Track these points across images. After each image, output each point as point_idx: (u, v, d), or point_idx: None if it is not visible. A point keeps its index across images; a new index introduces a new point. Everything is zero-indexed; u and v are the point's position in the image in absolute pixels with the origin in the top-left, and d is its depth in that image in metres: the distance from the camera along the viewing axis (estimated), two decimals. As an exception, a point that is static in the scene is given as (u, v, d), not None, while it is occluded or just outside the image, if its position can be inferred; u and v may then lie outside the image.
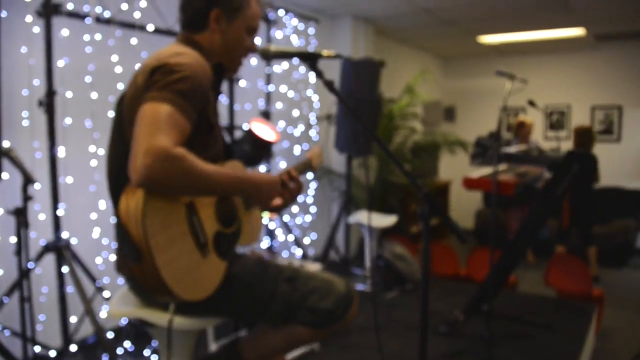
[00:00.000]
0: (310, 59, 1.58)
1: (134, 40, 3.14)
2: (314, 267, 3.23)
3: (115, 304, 1.70)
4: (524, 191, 3.57)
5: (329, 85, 1.58)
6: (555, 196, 3.39)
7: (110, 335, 3.03)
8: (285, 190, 1.81)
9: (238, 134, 3.68)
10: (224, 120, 3.61)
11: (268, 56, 1.59)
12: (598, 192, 6.75)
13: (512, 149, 3.57)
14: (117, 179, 1.46)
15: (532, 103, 3.58)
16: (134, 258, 1.30)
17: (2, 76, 2.70)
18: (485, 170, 3.57)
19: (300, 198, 4.80)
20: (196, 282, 1.43)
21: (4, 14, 2.73)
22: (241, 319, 1.79)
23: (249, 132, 3.67)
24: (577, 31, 5.89)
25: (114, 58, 3.05)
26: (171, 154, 1.23)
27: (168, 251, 1.33)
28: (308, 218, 4.90)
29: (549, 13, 5.16)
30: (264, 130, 3.77)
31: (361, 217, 4.67)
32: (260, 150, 3.74)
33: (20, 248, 2.43)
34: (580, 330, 3.43)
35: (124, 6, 3.06)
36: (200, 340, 1.87)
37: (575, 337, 3.33)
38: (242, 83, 3.92)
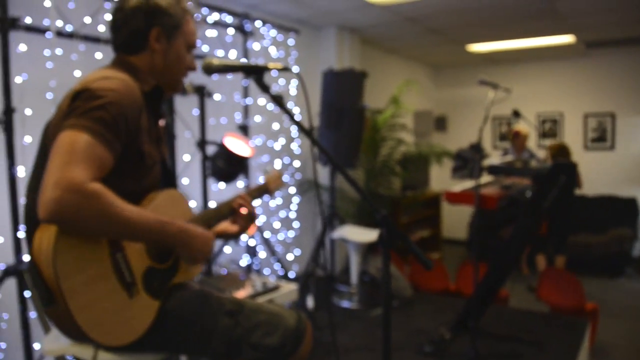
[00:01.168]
0: (255, 73, 1.47)
1: (98, 55, 3.03)
2: (289, 287, 3.10)
3: (51, 339, 1.58)
4: (510, 206, 3.45)
5: (276, 100, 1.48)
6: (542, 208, 3.27)
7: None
8: (239, 217, 1.73)
9: (211, 150, 3.57)
10: (195, 135, 3.50)
11: (210, 70, 1.47)
12: (592, 200, 6.63)
13: (495, 161, 3.45)
14: (35, 213, 1.34)
15: (517, 113, 3.46)
16: (46, 301, 1.19)
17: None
18: (467, 184, 3.45)
19: (282, 213, 4.70)
20: (120, 325, 1.30)
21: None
22: (183, 355, 1.66)
23: (223, 147, 3.58)
24: (567, 38, 5.79)
25: (77, 73, 2.94)
26: (84, 190, 1.13)
27: (85, 294, 1.22)
28: (291, 233, 4.76)
29: (537, 20, 5.06)
30: (238, 145, 3.68)
31: (346, 231, 4.55)
32: (234, 165, 3.63)
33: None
34: (572, 347, 3.30)
35: (87, 19, 2.95)
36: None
37: (566, 355, 3.20)
38: (217, 97, 3.81)
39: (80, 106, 1.24)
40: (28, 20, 2.73)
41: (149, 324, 1.39)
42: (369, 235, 4.49)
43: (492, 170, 3.27)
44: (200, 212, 1.64)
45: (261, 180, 2.00)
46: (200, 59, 1.60)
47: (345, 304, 4.40)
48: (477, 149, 3.00)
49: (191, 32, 1.54)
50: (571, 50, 6.52)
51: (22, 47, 2.77)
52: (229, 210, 1.72)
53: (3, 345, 2.80)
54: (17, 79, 2.74)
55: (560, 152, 5.33)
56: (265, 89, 1.46)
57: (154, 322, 1.40)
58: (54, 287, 1.16)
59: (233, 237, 1.79)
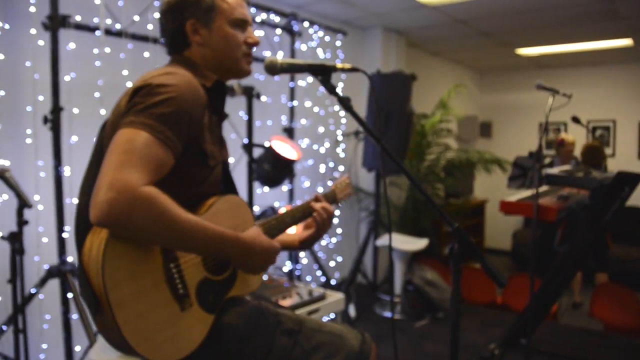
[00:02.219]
0: (323, 73, 1.37)
1: (146, 54, 2.98)
2: (336, 296, 2.98)
3: (97, 350, 1.50)
4: (567, 217, 3.25)
5: (343, 102, 1.37)
6: (604, 222, 3.06)
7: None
8: (318, 221, 1.58)
9: (258, 153, 3.49)
10: (241, 137, 3.42)
11: (274, 70, 1.37)
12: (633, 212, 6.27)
13: (555, 170, 3.24)
14: (88, 215, 1.27)
15: (576, 120, 3.26)
16: (93, 309, 1.11)
17: (5, 91, 2.58)
18: (524, 193, 3.26)
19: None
20: (170, 340, 1.20)
21: (7, 26, 2.62)
22: None
23: (270, 150, 3.49)
24: (625, 42, 5.50)
25: (125, 72, 2.90)
26: (138, 193, 1.05)
27: (134, 305, 1.12)
28: (334, 240, 4.64)
29: (594, 23, 4.81)
30: (285, 148, 3.58)
31: (393, 239, 4.40)
32: (281, 168, 3.54)
33: (15, 275, 2.26)
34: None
35: (136, 18, 2.90)
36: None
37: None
38: (264, 98, 3.73)
39: (140, 102, 1.17)
40: (78, 18, 2.70)
41: (201, 340, 1.28)
42: (414, 243, 4.34)
43: (551, 179, 3.08)
44: (264, 220, 1.50)
45: (323, 187, 1.88)
46: (259, 61, 1.49)
47: (388, 314, 4.25)
48: (537, 158, 2.81)
49: (231, 8, 1.41)
50: (626, 54, 6.21)
51: (72, 45, 2.74)
52: (303, 214, 1.60)
53: (44, 345, 2.77)
54: (66, 78, 2.71)
55: (592, 155, 4.84)
56: (332, 90, 1.36)
57: (206, 338, 1.30)
58: (101, 297, 1.09)
59: (308, 245, 1.65)
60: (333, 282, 4.10)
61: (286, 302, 2.85)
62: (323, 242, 4.54)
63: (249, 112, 3.36)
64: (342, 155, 4.72)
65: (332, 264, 4.54)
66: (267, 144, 3.42)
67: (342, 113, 4.63)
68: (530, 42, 5.74)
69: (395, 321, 4.12)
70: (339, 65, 1.38)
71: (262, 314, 1.43)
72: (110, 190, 1.03)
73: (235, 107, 3.51)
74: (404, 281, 4.26)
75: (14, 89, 2.69)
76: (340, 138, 4.71)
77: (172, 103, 1.17)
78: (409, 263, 4.38)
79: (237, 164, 3.54)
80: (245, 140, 3.38)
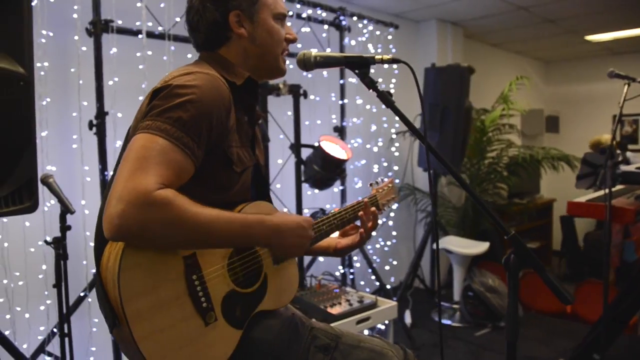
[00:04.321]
0: (361, 66, 1.25)
1: (189, 55, 2.92)
2: (388, 304, 2.82)
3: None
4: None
5: (384, 97, 1.24)
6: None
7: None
8: (363, 225, 1.49)
9: (307, 153, 3.38)
10: (289, 137, 3.32)
11: (307, 64, 1.28)
12: None
13: (631, 167, 2.92)
14: None
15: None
16: (110, 322, 1.06)
17: (51, 98, 2.60)
18: (595, 193, 2.96)
19: (379, 220, 4.40)
20: (192, 358, 1.12)
21: (51, 33, 2.64)
22: None
23: (319, 150, 3.37)
24: None
25: (169, 75, 2.87)
26: (151, 199, 0.99)
27: (152, 319, 1.06)
28: (389, 242, 4.46)
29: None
30: (334, 148, 3.45)
31: (449, 242, 4.18)
32: (331, 169, 3.41)
33: (60, 280, 2.25)
34: None
35: (178, 19, 2.86)
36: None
37: None
38: (312, 97, 3.62)
39: (158, 105, 1.11)
40: (119, 22, 2.68)
41: (227, 358, 1.19)
42: (475, 247, 4.10)
43: (628, 177, 2.77)
44: None
45: (370, 191, 1.73)
46: (293, 57, 1.38)
47: (446, 321, 4.04)
48: (610, 154, 2.52)
49: (274, 1, 1.34)
50: None
51: (114, 50, 2.74)
52: (342, 221, 1.49)
53: (93, 348, 2.78)
54: (109, 82, 2.71)
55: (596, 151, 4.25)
56: (371, 84, 1.24)
57: (233, 355, 1.20)
58: (117, 310, 1.04)
59: (345, 252, 1.56)
60: (388, 287, 3.93)
61: (335, 310, 2.73)
62: (377, 245, 4.37)
63: (296, 111, 3.26)
64: (396, 154, 4.53)
65: (387, 267, 4.36)
66: (316, 144, 3.31)
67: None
68: (600, 28, 5.32)
69: (454, 329, 3.90)
70: (378, 56, 1.25)
71: (295, 328, 1.33)
72: (120, 202, 0.97)
73: (282, 107, 3.41)
74: (463, 287, 4.03)
75: (59, 95, 2.71)
76: (394, 136, 4.52)
77: (192, 106, 1.10)
78: (469, 267, 4.14)
79: (286, 165, 3.45)
80: (292, 141, 3.29)
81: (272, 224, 1.19)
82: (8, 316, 2.48)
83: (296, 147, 3.32)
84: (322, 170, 3.33)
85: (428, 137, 3.97)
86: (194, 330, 1.13)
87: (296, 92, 3.21)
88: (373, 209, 1.50)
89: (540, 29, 5.30)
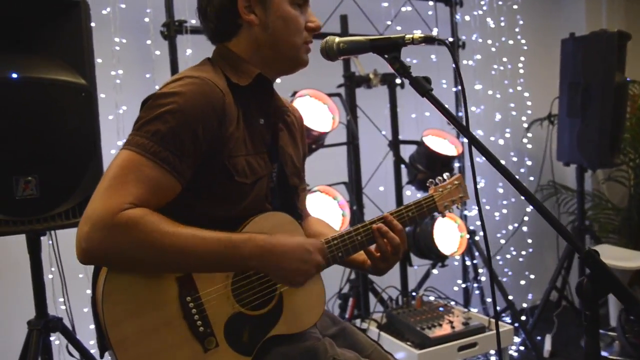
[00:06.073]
0: (390, 50, 1.15)
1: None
2: (501, 328, 2.29)
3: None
4: None
5: (419, 84, 1.11)
6: None
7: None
8: (383, 245, 1.27)
9: (410, 151, 2.97)
10: (387, 134, 2.93)
11: (332, 53, 1.20)
12: None
13: None
14: None
15: None
16: (100, 345, 1.09)
17: (127, 106, 2.55)
18: None
19: (510, 226, 3.75)
20: None
21: (124, 40, 2.60)
22: None
23: (422, 147, 2.92)
24: None
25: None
26: (115, 221, 0.97)
27: (139, 345, 1.03)
28: (523, 252, 3.80)
29: None
30: (441, 143, 2.97)
31: (602, 253, 3.39)
32: (437, 168, 2.93)
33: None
34: None
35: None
36: None
37: None
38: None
39: (140, 117, 1.10)
40: (193, 22, 2.56)
41: None
42: (637, 259, 3.28)
43: None
44: (328, 237, 1.25)
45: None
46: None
47: (603, 353, 3.27)
48: None
49: None
50: None
51: (188, 52, 2.62)
52: (367, 236, 1.28)
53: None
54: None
55: None
56: (403, 70, 1.13)
57: None
58: (105, 333, 1.03)
59: (378, 272, 1.34)
60: (525, 305, 3.32)
61: (433, 333, 2.34)
62: (508, 255, 3.73)
63: (392, 103, 2.88)
64: (529, 146, 3.83)
65: (522, 282, 3.70)
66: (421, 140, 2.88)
67: (527, 94, 3.73)
68: None
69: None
70: (408, 36, 1.14)
71: (315, 355, 1.22)
72: (86, 224, 0.98)
73: (379, 100, 3.02)
74: (620, 309, 3.23)
75: (136, 103, 2.64)
76: (525, 126, 3.85)
77: (171, 117, 1.06)
78: (630, 284, 3.33)
79: (384, 165, 3.05)
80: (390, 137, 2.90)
81: (266, 243, 1.10)
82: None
83: (394, 144, 2.92)
84: (427, 169, 2.89)
85: (568, 125, 3.26)
86: (191, 356, 1.09)
87: (391, 82, 2.81)
88: (391, 233, 1.26)
89: None
